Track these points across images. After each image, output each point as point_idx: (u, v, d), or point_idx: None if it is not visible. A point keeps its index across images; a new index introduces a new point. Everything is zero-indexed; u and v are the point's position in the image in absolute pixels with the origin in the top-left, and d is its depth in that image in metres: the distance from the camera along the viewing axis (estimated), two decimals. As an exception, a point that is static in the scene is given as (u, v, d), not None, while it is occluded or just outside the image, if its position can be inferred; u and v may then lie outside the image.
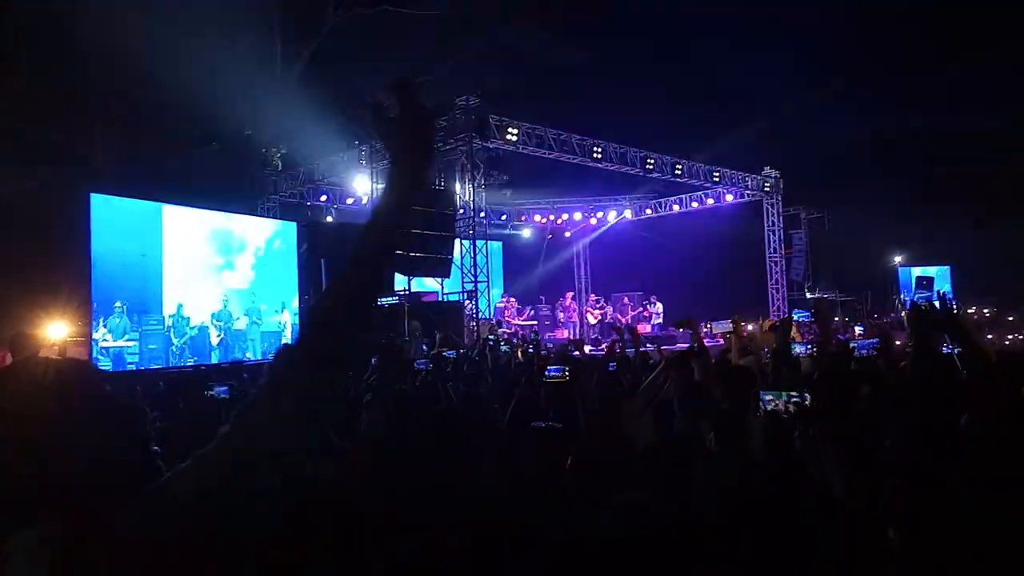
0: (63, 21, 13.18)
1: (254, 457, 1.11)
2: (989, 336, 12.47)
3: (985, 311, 18.71)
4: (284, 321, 13.55)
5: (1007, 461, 2.24)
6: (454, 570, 1.67)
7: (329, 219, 17.67)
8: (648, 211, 21.95)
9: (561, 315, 19.79)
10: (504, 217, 21.26)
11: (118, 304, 10.79)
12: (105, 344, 10.60)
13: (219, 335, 12.39)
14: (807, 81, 21.54)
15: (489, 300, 15.90)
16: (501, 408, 4.22)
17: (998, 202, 21.42)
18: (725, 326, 5.89)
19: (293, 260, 14.09)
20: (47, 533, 1.03)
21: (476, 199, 14.66)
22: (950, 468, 2.30)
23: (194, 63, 13.64)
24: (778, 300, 19.89)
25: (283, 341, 7.67)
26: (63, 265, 11.88)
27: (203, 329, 12.14)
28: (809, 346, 5.22)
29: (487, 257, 15.05)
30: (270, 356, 1.33)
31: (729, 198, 19.90)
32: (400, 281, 14.15)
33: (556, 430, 3.01)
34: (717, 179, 18.28)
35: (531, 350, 8.36)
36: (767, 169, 19.58)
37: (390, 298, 12.83)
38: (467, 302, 14.35)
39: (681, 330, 12.85)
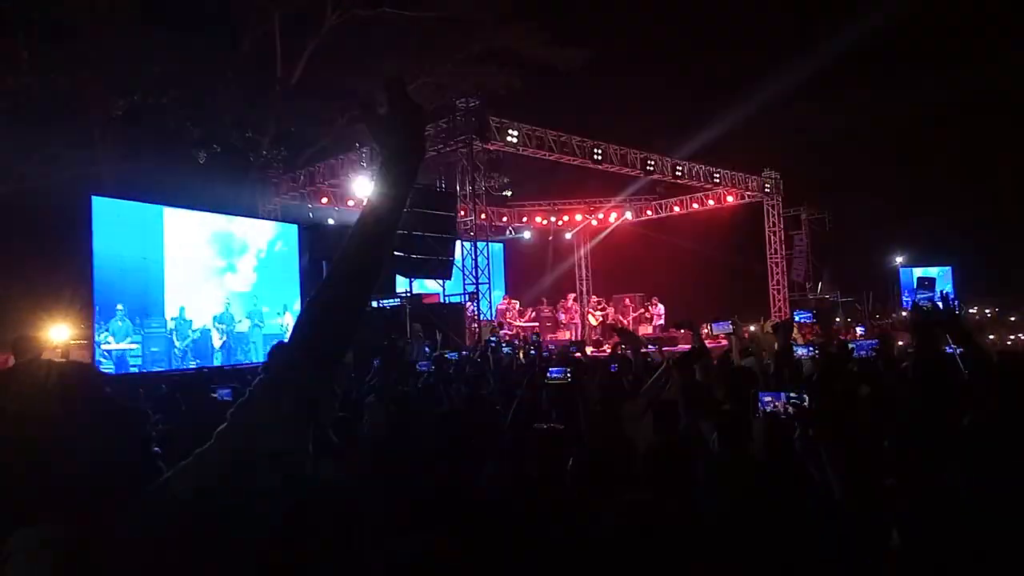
0: (63, 21, 13.21)
1: (254, 457, 1.11)
2: (990, 336, 12.45)
3: (987, 311, 18.69)
4: (286, 324, 13.52)
5: (1008, 461, 2.24)
6: (455, 571, 1.67)
7: (331, 221, 17.67)
8: (649, 212, 21.95)
9: (563, 317, 19.76)
10: (505, 219, 21.27)
11: (120, 307, 10.79)
12: (107, 347, 10.60)
13: (221, 338, 12.38)
14: (809, 81, 21.50)
15: (491, 302, 15.92)
16: (503, 409, 4.23)
17: (999, 202, 21.41)
18: (726, 327, 5.89)
19: (295, 263, 14.07)
20: (49, 535, 1.03)
21: (477, 201, 14.67)
22: (950, 468, 2.30)
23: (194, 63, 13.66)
24: (779, 301, 19.87)
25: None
26: (65, 268, 11.90)
27: (205, 332, 12.13)
28: (812, 348, 5.22)
29: (488, 259, 15.07)
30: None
31: (730, 199, 19.90)
32: (402, 283, 14.15)
33: (558, 431, 3.02)
34: (717, 180, 18.29)
35: (532, 352, 8.36)
36: (767, 170, 19.59)
37: (392, 300, 12.83)
38: (468, 304, 14.37)
39: (682, 331, 12.85)
